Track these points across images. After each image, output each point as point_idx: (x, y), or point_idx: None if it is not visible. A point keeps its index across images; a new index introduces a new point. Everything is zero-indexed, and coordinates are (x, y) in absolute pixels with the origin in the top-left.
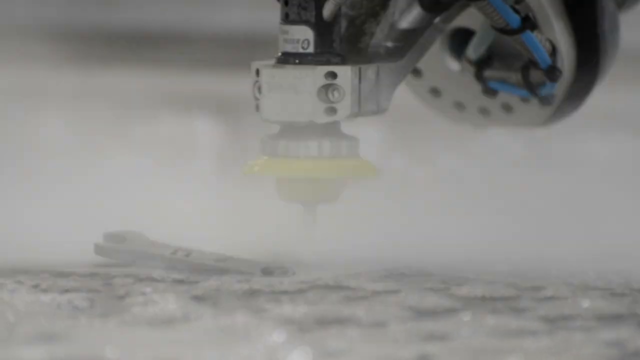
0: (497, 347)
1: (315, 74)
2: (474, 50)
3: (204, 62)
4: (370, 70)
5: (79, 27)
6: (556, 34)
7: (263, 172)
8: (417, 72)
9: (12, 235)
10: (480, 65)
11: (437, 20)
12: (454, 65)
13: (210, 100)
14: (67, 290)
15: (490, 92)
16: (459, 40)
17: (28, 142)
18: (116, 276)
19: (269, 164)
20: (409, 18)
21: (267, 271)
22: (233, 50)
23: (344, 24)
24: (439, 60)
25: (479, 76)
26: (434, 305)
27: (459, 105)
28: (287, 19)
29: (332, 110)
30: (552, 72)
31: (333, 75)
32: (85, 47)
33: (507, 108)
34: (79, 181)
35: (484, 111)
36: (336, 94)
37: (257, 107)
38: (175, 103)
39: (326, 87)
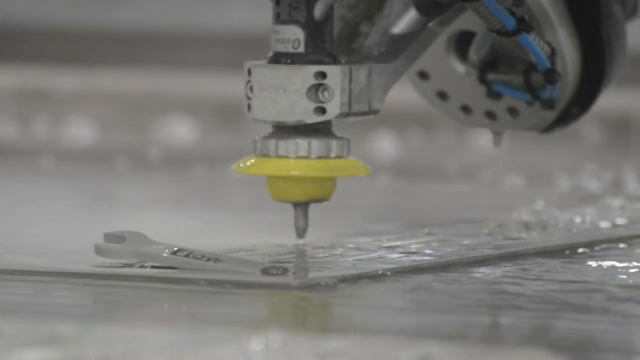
0: None
1: (305, 73)
2: (475, 52)
3: None
4: (361, 71)
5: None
6: (559, 39)
7: (252, 172)
8: (424, 75)
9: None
10: (484, 68)
11: (432, 23)
12: (460, 68)
13: None
14: (67, 291)
15: (494, 95)
16: (465, 43)
17: None
18: (116, 276)
19: (258, 163)
20: (405, 21)
21: (266, 271)
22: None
23: (339, 24)
24: (445, 64)
25: (482, 79)
26: None
27: (466, 109)
28: (278, 19)
29: (322, 110)
30: (551, 75)
31: (323, 75)
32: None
33: (513, 112)
34: None
35: (490, 115)
36: (326, 93)
37: (248, 107)
38: None
39: (316, 87)
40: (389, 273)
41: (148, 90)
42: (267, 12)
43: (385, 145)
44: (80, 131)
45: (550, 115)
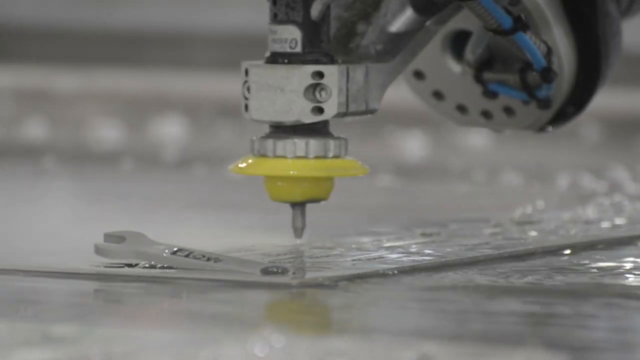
0: None
1: (302, 73)
2: (470, 51)
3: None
4: (358, 71)
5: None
6: (555, 37)
7: (250, 172)
8: (419, 75)
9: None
10: (480, 67)
11: (429, 22)
12: (456, 67)
13: None
14: (67, 291)
15: (490, 94)
16: (461, 42)
17: None
18: (116, 276)
19: (256, 163)
20: (401, 20)
21: (266, 271)
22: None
23: (336, 24)
24: (441, 63)
25: (478, 78)
26: None
27: (462, 108)
28: (275, 19)
29: (319, 110)
30: (547, 74)
31: (320, 74)
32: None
33: (509, 111)
34: None
35: (486, 114)
36: (323, 93)
37: (246, 107)
38: None
39: (313, 87)
40: (395, 272)
41: (148, 90)
42: (266, 12)
43: (388, 145)
44: (80, 131)
45: (546, 115)
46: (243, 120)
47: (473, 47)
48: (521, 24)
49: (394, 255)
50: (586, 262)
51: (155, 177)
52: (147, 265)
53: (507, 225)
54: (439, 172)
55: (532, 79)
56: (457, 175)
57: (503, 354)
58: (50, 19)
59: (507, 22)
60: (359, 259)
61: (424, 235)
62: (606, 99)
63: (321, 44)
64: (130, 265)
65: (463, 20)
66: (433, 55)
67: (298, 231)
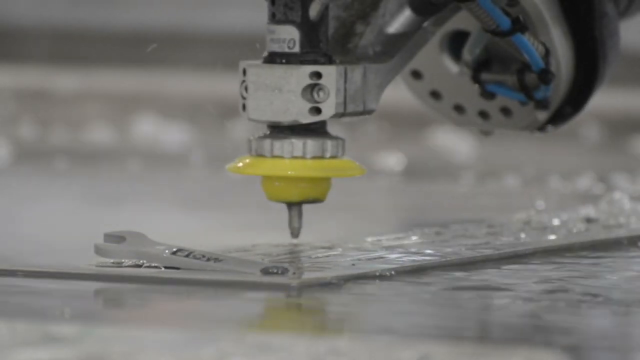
0: None
1: (300, 74)
2: (468, 52)
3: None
4: (356, 71)
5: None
6: (553, 38)
7: (247, 172)
8: (417, 75)
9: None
10: (477, 68)
11: (427, 23)
12: (453, 68)
13: None
14: (67, 291)
15: (487, 95)
16: (459, 43)
17: None
18: (116, 276)
19: (253, 163)
20: (399, 21)
21: (266, 271)
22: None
23: (334, 24)
24: (439, 63)
25: (476, 79)
26: None
27: (459, 108)
28: (273, 19)
29: (317, 110)
30: (545, 75)
31: (318, 75)
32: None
33: (506, 111)
34: None
35: (483, 114)
36: (321, 93)
37: (243, 107)
38: None
39: (311, 87)
40: (393, 273)
41: (148, 90)
42: (266, 12)
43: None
44: (79, 131)
45: (543, 115)
46: (242, 120)
47: (471, 47)
48: (519, 25)
49: (394, 255)
50: (586, 262)
51: (155, 177)
52: (141, 264)
53: (507, 225)
54: (440, 172)
55: (530, 80)
56: (456, 175)
57: (503, 354)
58: (50, 19)
59: (506, 23)
60: (359, 259)
61: (425, 235)
62: (606, 99)
63: (319, 44)
64: (130, 266)
65: (461, 20)
66: (431, 55)
67: (295, 231)
